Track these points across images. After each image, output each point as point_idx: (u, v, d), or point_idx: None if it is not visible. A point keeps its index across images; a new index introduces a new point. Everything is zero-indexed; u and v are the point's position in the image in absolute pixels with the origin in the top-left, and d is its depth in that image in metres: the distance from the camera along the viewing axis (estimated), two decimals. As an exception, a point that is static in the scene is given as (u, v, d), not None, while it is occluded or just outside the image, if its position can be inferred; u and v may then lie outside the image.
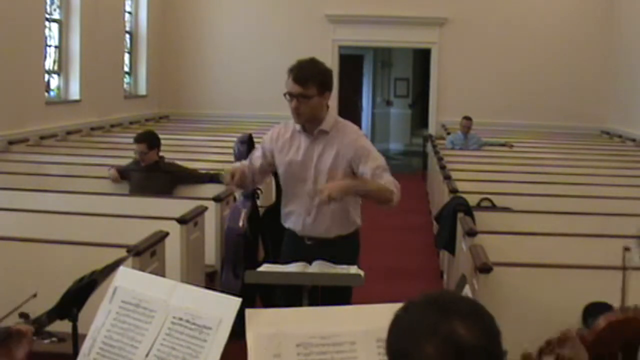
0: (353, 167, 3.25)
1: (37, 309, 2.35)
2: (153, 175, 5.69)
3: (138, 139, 5.72)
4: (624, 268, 2.26)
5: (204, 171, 6.02)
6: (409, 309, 1.31)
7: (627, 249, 2.28)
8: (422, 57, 15.54)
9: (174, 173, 5.83)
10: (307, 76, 3.18)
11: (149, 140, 5.70)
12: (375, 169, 3.21)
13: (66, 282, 2.27)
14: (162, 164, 5.78)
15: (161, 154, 6.06)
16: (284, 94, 3.24)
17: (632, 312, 2.15)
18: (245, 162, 3.47)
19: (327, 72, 3.28)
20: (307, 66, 3.22)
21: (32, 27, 8.78)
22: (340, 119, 3.39)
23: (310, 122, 3.28)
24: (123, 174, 5.87)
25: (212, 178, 5.87)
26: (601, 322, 2.14)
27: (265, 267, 3.06)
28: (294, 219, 3.39)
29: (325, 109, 3.30)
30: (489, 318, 1.28)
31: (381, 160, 3.28)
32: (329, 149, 3.28)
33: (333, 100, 14.01)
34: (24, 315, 1.98)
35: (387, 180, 3.18)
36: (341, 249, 3.34)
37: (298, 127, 3.33)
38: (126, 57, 12.52)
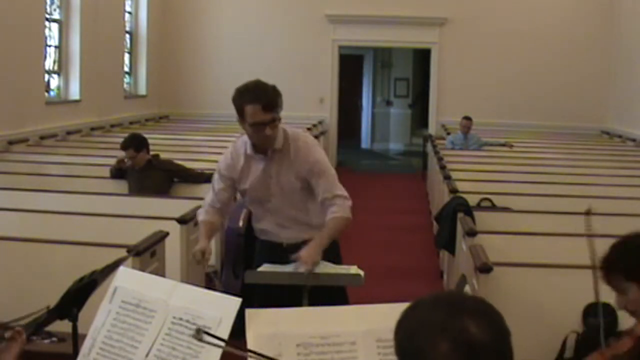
0: (308, 181, 3.24)
1: (36, 309, 2.35)
2: (149, 174, 5.70)
3: (123, 146, 5.75)
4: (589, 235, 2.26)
5: (199, 171, 6.02)
6: (419, 308, 1.31)
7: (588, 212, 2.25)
8: (422, 57, 15.53)
9: (169, 170, 5.84)
10: (274, 101, 3.14)
11: (134, 144, 5.72)
12: (325, 195, 3.19)
13: (66, 282, 2.27)
14: (155, 162, 5.80)
15: (158, 153, 6.08)
16: (249, 126, 3.13)
17: None
18: (204, 225, 3.39)
19: (278, 90, 3.25)
20: (267, 91, 3.15)
21: (32, 27, 8.78)
22: (288, 130, 3.31)
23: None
24: (121, 172, 5.88)
25: (209, 178, 5.87)
26: (629, 340, 2.14)
27: (265, 267, 3.07)
28: (269, 235, 3.37)
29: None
30: (499, 317, 1.29)
31: (330, 178, 3.24)
32: (285, 166, 3.24)
33: (333, 100, 14.08)
34: (1, 327, 1.99)
35: (338, 205, 3.18)
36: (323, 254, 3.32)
37: (249, 150, 3.26)
38: (126, 57, 12.51)
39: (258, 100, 3.09)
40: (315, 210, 3.29)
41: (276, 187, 3.26)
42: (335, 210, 3.18)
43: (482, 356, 1.22)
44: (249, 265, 3.50)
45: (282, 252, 3.25)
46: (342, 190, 3.25)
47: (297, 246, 3.22)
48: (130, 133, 6.47)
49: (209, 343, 1.77)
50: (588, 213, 2.19)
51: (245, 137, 3.29)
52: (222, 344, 1.75)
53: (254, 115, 3.09)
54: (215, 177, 3.40)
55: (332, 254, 3.25)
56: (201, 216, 3.41)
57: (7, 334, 1.86)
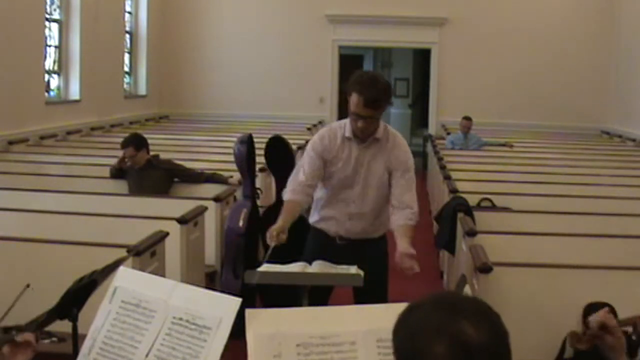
0: (393, 171, 3.32)
1: (36, 309, 2.35)
2: (149, 174, 5.71)
3: (123, 145, 5.76)
4: None
5: (199, 171, 6.02)
6: (417, 309, 1.31)
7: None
8: (422, 57, 15.53)
9: (168, 169, 5.84)
10: (380, 100, 3.18)
11: (134, 143, 5.73)
12: (405, 197, 3.29)
13: (66, 282, 2.27)
14: (155, 162, 5.80)
15: (158, 153, 6.08)
16: (350, 113, 3.21)
17: None
18: (291, 204, 3.29)
19: (391, 87, 3.32)
20: (376, 88, 3.18)
21: (32, 27, 8.78)
22: (387, 125, 3.41)
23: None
24: (121, 172, 5.89)
25: (209, 178, 5.88)
26: None
27: (265, 267, 3.06)
28: (333, 223, 3.40)
29: None
30: (497, 318, 1.28)
31: (413, 183, 3.36)
32: (379, 157, 3.32)
33: (333, 100, 14.05)
34: (6, 330, 1.98)
35: (414, 214, 3.29)
36: (372, 248, 3.39)
37: (347, 133, 3.32)
38: (126, 57, 12.52)
39: (363, 93, 3.15)
40: (384, 211, 3.38)
41: (364, 174, 3.31)
42: (411, 218, 3.28)
43: (479, 358, 1.22)
44: (249, 265, 3.50)
45: (335, 248, 3.32)
46: (416, 202, 3.34)
47: (349, 242, 3.33)
48: (129, 133, 6.48)
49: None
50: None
51: (342, 122, 3.37)
52: (222, 343, 1.74)
53: (355, 105, 3.17)
54: (307, 155, 3.38)
55: (380, 251, 3.41)
56: (287, 195, 3.33)
57: (19, 338, 1.85)
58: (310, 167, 3.33)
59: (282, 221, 3.16)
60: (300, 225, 3.52)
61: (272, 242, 3.05)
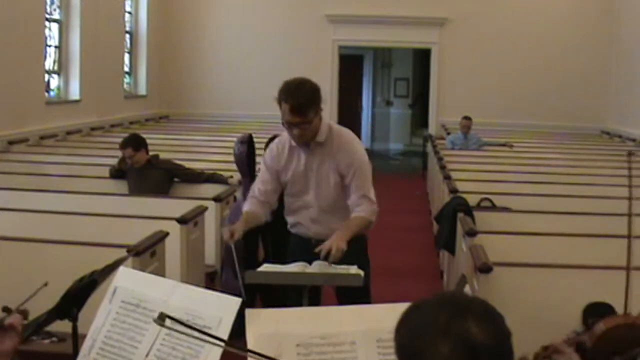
0: (344, 176, 3.33)
1: (37, 309, 2.35)
2: (148, 174, 5.71)
3: (122, 145, 5.76)
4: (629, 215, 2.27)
5: (199, 171, 6.02)
6: (420, 309, 1.31)
7: (630, 153, 2.23)
8: (422, 57, 15.53)
9: (168, 169, 5.85)
10: (305, 105, 3.19)
11: (133, 143, 5.74)
12: (357, 193, 3.31)
13: (66, 282, 2.27)
14: (155, 162, 5.81)
15: (158, 153, 6.08)
16: (282, 123, 3.24)
17: (632, 319, 2.15)
18: (245, 214, 3.39)
19: (318, 91, 3.29)
20: (300, 93, 3.20)
21: (32, 27, 8.78)
22: (334, 125, 3.41)
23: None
24: (121, 172, 5.89)
25: (209, 178, 5.88)
26: (601, 326, 2.14)
27: (265, 267, 3.07)
28: (302, 227, 3.46)
29: (319, 122, 3.31)
30: (500, 318, 1.29)
31: (365, 179, 3.35)
32: (326, 160, 3.34)
33: (333, 100, 14.07)
34: (6, 309, 1.96)
35: (364, 206, 3.30)
36: (350, 248, 3.37)
37: (294, 142, 3.35)
38: (126, 57, 12.52)
39: (287, 101, 3.18)
40: (345, 210, 3.38)
41: (314, 180, 3.35)
42: (360, 210, 3.30)
43: (483, 358, 1.22)
44: (249, 266, 3.50)
45: (311, 248, 3.30)
46: (371, 194, 3.36)
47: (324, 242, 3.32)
48: (128, 133, 6.48)
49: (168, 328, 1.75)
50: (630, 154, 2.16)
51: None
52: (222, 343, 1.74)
53: (284, 113, 3.20)
54: (261, 168, 3.49)
55: (358, 248, 3.36)
56: (245, 207, 3.45)
57: (7, 321, 1.84)
58: (262, 181, 3.43)
59: (240, 224, 3.25)
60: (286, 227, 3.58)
61: (230, 242, 3.14)
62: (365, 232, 3.44)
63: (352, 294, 3.04)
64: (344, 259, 3.10)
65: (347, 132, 3.44)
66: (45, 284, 2.10)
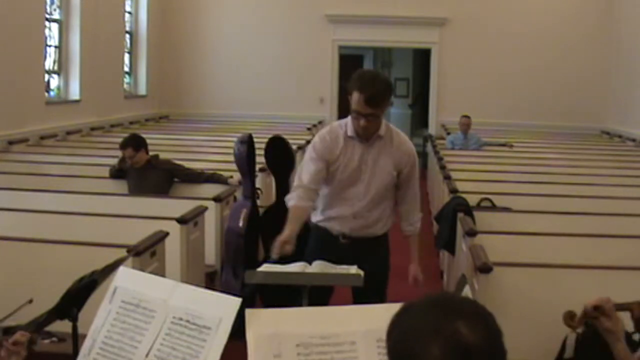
0: (398, 174, 3.36)
1: (36, 309, 2.35)
2: (148, 174, 5.71)
3: (122, 146, 5.77)
4: None
5: (199, 171, 6.02)
6: (410, 310, 1.31)
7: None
8: (422, 57, 15.53)
9: (168, 169, 5.85)
10: (381, 98, 3.18)
11: (133, 143, 5.74)
12: (414, 204, 3.49)
13: (66, 282, 2.27)
14: (155, 162, 5.81)
15: (158, 153, 6.08)
16: (352, 111, 3.23)
17: None
18: (295, 209, 3.25)
19: (391, 86, 3.33)
20: (377, 86, 3.18)
21: (32, 27, 8.77)
22: (389, 124, 3.41)
23: None
24: (121, 172, 5.89)
25: (209, 178, 5.88)
26: None
27: (265, 267, 3.06)
28: (338, 222, 3.38)
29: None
30: (491, 318, 1.28)
31: (418, 189, 3.50)
32: (384, 154, 3.32)
33: (333, 100, 14.05)
34: (6, 331, 1.98)
35: (419, 226, 3.53)
36: (374, 247, 3.41)
37: (349, 132, 3.31)
38: (126, 57, 12.51)
39: (363, 92, 3.14)
40: (387, 209, 3.42)
41: (369, 172, 3.31)
42: (416, 228, 3.52)
43: (475, 358, 1.22)
44: (249, 265, 3.50)
45: (336, 247, 3.33)
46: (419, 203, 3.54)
47: (352, 241, 3.34)
48: (128, 133, 6.49)
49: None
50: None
51: (343, 121, 3.37)
52: (222, 343, 1.74)
53: (356, 103, 3.18)
54: (309, 157, 3.36)
55: (383, 250, 3.48)
56: (292, 201, 3.27)
57: (10, 341, 1.85)
58: (313, 171, 3.29)
59: (290, 230, 3.09)
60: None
61: (275, 255, 3.00)
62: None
63: (367, 295, 3.02)
64: (369, 259, 3.15)
65: (405, 136, 3.48)
66: (30, 301, 2.11)
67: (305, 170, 3.33)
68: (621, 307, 2.09)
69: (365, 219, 3.36)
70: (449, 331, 1.23)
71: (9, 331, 1.97)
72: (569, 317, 2.09)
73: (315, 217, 3.48)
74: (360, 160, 3.30)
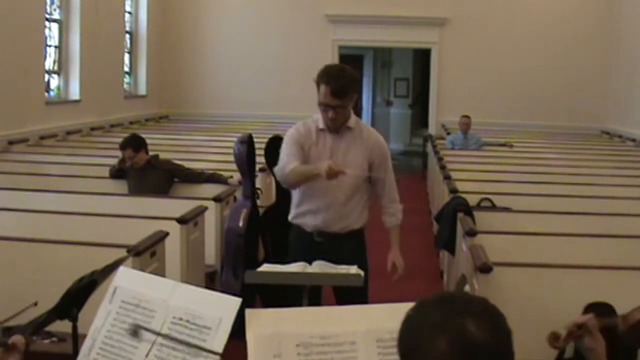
0: (370, 166, 3.45)
1: (36, 309, 2.35)
2: (148, 174, 5.71)
3: (122, 146, 5.77)
4: None
5: (199, 171, 6.02)
6: (421, 307, 1.32)
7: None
8: (422, 57, 15.53)
9: (168, 169, 5.85)
10: (346, 89, 3.29)
11: (133, 144, 5.74)
12: (392, 196, 3.56)
13: (66, 282, 2.27)
14: (155, 162, 5.81)
15: (158, 153, 6.08)
16: (319, 104, 3.32)
17: None
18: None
19: (358, 80, 3.43)
20: (342, 77, 3.29)
21: (32, 27, 8.77)
22: (358, 118, 3.53)
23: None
24: (121, 172, 5.89)
25: (209, 178, 5.88)
26: (637, 314, 2.16)
27: (265, 267, 3.06)
28: (311, 216, 3.45)
29: (350, 111, 3.42)
30: (500, 317, 1.29)
31: (392, 174, 3.56)
32: (354, 146, 3.42)
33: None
34: (6, 330, 1.98)
35: (399, 217, 3.61)
36: (350, 244, 3.44)
37: (321, 125, 3.41)
38: (126, 57, 12.52)
39: (328, 84, 3.26)
40: (361, 201, 3.48)
41: (340, 163, 3.33)
42: (397, 219, 3.59)
43: (481, 356, 1.23)
44: (249, 265, 3.51)
45: (312, 243, 3.41)
46: (396, 192, 3.58)
47: (328, 238, 3.40)
48: (129, 133, 6.49)
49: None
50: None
51: (315, 116, 3.47)
52: (222, 343, 1.74)
53: (324, 95, 3.29)
54: (291, 146, 3.40)
55: (359, 247, 3.52)
56: (291, 165, 3.32)
57: (10, 341, 1.85)
58: (296, 152, 3.36)
59: (320, 163, 3.21)
60: (286, 227, 3.58)
61: (336, 174, 3.12)
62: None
63: (349, 293, 3.06)
64: (345, 257, 3.12)
65: (374, 129, 3.60)
66: (35, 304, 2.12)
67: (288, 154, 3.38)
68: (606, 323, 2.08)
69: (339, 210, 3.41)
70: (456, 327, 1.24)
71: (8, 331, 1.97)
72: (553, 338, 2.08)
73: (291, 215, 3.56)
74: (332, 152, 3.39)
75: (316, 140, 3.41)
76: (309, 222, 3.45)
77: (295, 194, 3.52)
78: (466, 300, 1.33)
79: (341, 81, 3.27)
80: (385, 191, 3.53)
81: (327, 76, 3.28)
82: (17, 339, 1.87)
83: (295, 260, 3.05)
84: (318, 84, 3.31)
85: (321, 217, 3.42)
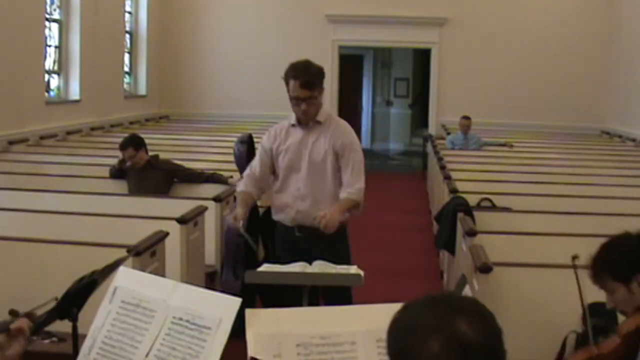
0: (336, 157, 3.58)
1: (36, 309, 2.35)
2: (148, 174, 5.71)
3: (122, 146, 5.77)
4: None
5: (199, 171, 6.02)
6: (410, 308, 1.32)
7: (575, 257, 2.28)
8: (422, 57, 15.53)
9: (168, 169, 5.85)
10: (314, 80, 3.48)
11: (132, 143, 5.75)
12: (349, 178, 3.57)
13: (66, 282, 2.27)
14: (155, 162, 5.81)
15: (158, 153, 6.08)
16: (291, 99, 3.50)
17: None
18: (242, 194, 3.67)
19: (322, 70, 3.59)
20: (309, 70, 3.49)
21: (32, 27, 8.78)
22: (334, 115, 3.74)
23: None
24: (121, 172, 5.89)
25: (209, 178, 5.88)
26: (616, 339, 2.18)
27: (265, 267, 3.07)
28: (288, 209, 3.62)
29: (321, 103, 3.60)
30: (490, 316, 1.29)
31: (358, 166, 3.60)
32: (322, 137, 3.58)
33: (333, 100, 14.08)
34: (13, 312, 1.96)
35: (356, 190, 3.56)
36: (332, 240, 3.48)
37: (293, 121, 3.62)
38: (126, 57, 12.52)
39: (297, 78, 3.45)
40: (330, 194, 3.58)
41: (308, 155, 3.57)
42: (350, 192, 3.56)
43: (473, 356, 1.23)
44: (249, 265, 3.52)
45: (293, 240, 3.57)
46: (362, 183, 3.60)
47: (308, 233, 3.50)
48: (128, 134, 6.49)
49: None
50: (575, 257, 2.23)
51: (291, 117, 3.66)
52: (222, 343, 1.74)
53: (293, 89, 3.49)
54: (258, 154, 3.77)
55: (340, 242, 3.57)
56: (239, 187, 3.72)
57: (13, 326, 1.84)
58: (259, 163, 3.69)
59: (240, 209, 3.52)
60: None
61: (239, 224, 3.42)
62: (355, 213, 3.61)
63: (334, 295, 3.15)
64: (324, 250, 3.17)
65: (345, 122, 3.72)
66: (56, 299, 2.12)
67: (254, 160, 3.78)
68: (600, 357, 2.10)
69: (313, 202, 3.54)
70: (448, 328, 1.24)
71: (15, 313, 1.95)
72: None
73: (272, 212, 3.74)
74: (300, 144, 3.58)
75: (285, 137, 3.63)
76: (288, 217, 3.62)
77: (274, 190, 3.72)
78: (456, 301, 1.33)
79: (309, 73, 3.46)
80: (345, 179, 3.58)
81: (295, 70, 3.48)
82: (23, 321, 1.86)
83: (280, 256, 3.14)
84: (287, 80, 3.49)
85: (297, 209, 3.58)
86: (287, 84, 3.51)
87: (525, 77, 13.05)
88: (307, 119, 3.57)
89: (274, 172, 3.72)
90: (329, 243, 3.43)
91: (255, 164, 3.71)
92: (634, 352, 2.15)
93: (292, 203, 3.60)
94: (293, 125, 3.63)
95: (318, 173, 3.57)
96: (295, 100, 3.50)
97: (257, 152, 3.77)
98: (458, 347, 1.22)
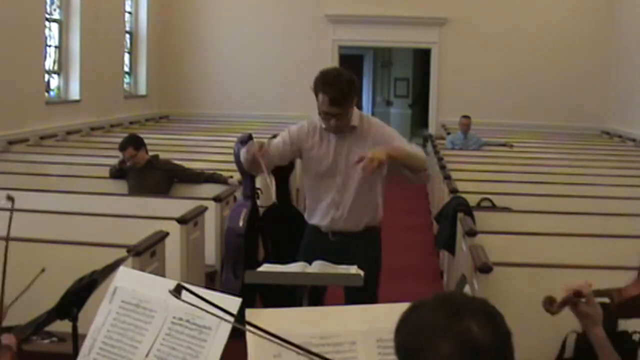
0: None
1: (36, 309, 2.35)
2: (149, 174, 5.72)
3: (122, 147, 5.77)
4: None
5: (199, 171, 6.02)
6: (421, 308, 1.31)
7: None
8: (422, 57, 15.53)
9: (168, 169, 5.85)
10: (345, 97, 3.20)
11: (132, 143, 5.75)
12: (403, 145, 3.33)
13: (66, 282, 2.27)
14: (155, 162, 5.82)
15: (158, 153, 6.08)
16: (319, 113, 3.25)
17: None
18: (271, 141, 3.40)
19: (356, 82, 3.31)
20: (340, 83, 3.19)
21: (32, 27, 8.77)
22: (362, 113, 3.44)
23: None
24: (121, 172, 5.89)
25: (209, 178, 5.88)
26: (632, 290, 2.17)
27: (265, 267, 3.06)
28: (322, 215, 3.43)
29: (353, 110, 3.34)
30: (500, 318, 1.29)
31: (405, 141, 3.40)
32: (358, 143, 3.33)
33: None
34: (5, 330, 1.98)
35: (418, 151, 3.35)
36: (365, 243, 3.41)
37: (324, 125, 3.35)
38: (126, 57, 12.52)
39: (326, 93, 3.18)
40: (373, 198, 3.40)
41: (344, 164, 3.33)
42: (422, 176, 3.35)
43: (484, 357, 1.22)
44: (249, 265, 3.51)
45: (325, 244, 3.36)
46: (423, 154, 3.40)
47: (342, 237, 3.36)
48: (128, 134, 6.50)
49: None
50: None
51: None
52: (222, 343, 1.74)
53: (322, 104, 3.22)
54: (281, 136, 3.42)
55: (373, 246, 3.44)
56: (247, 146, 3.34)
57: (3, 342, 1.85)
58: (277, 149, 3.37)
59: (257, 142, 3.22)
60: (298, 225, 3.55)
61: (254, 154, 3.12)
62: (415, 177, 3.33)
63: (358, 293, 3.03)
64: (357, 256, 3.07)
65: (378, 121, 3.48)
66: (43, 270, 2.12)
67: (275, 141, 3.42)
68: (601, 293, 2.10)
69: (348, 210, 3.38)
70: (459, 329, 1.23)
71: (9, 330, 1.97)
72: (549, 302, 2.11)
73: (307, 215, 3.55)
74: (335, 151, 3.35)
75: (320, 140, 3.37)
76: (322, 223, 3.44)
77: (308, 195, 3.53)
78: (466, 301, 1.32)
79: (339, 88, 3.18)
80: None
81: (324, 84, 3.20)
82: (8, 338, 1.87)
83: (306, 259, 3.03)
84: (316, 92, 3.23)
85: (330, 216, 3.41)
86: (316, 95, 3.25)
87: (525, 77, 13.04)
88: (336, 132, 3.33)
89: (279, 166, 3.56)
90: (360, 247, 3.35)
91: (276, 144, 3.39)
92: None
93: (325, 208, 3.42)
94: (325, 128, 3.36)
95: (356, 182, 3.35)
96: (324, 115, 3.24)
97: (280, 137, 3.42)
98: (468, 349, 1.22)
